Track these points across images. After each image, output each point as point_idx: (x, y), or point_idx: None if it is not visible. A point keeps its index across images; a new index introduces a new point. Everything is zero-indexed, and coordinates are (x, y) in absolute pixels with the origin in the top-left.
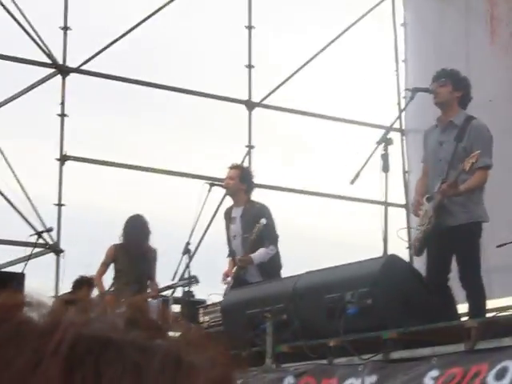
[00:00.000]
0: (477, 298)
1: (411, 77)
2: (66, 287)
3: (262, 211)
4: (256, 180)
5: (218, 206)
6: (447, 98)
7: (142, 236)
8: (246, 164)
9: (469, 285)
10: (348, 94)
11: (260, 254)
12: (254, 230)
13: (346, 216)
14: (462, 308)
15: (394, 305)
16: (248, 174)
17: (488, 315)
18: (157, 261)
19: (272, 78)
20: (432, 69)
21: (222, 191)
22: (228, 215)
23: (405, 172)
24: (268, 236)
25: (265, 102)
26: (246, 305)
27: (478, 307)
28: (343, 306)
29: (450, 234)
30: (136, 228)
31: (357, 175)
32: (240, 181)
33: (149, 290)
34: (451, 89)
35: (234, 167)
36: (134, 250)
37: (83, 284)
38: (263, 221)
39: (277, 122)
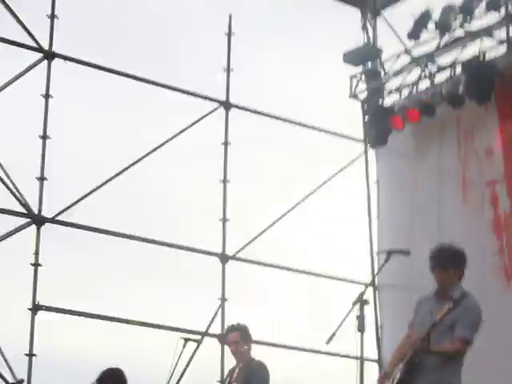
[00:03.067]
0: None
1: (384, 233)
2: None
3: (259, 367)
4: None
5: (190, 360)
6: (450, 281)
7: None
8: (218, 316)
9: None
10: (322, 248)
11: None
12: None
13: (320, 370)
14: None
15: None
16: (248, 332)
17: None
18: None
19: (246, 231)
20: (404, 227)
21: (194, 345)
22: (231, 374)
23: (378, 327)
24: None
25: (239, 256)
26: None
27: None
28: None
29: None
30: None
31: (332, 335)
32: (244, 341)
33: None
34: (453, 271)
35: (233, 329)
36: None
37: None
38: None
39: (250, 275)
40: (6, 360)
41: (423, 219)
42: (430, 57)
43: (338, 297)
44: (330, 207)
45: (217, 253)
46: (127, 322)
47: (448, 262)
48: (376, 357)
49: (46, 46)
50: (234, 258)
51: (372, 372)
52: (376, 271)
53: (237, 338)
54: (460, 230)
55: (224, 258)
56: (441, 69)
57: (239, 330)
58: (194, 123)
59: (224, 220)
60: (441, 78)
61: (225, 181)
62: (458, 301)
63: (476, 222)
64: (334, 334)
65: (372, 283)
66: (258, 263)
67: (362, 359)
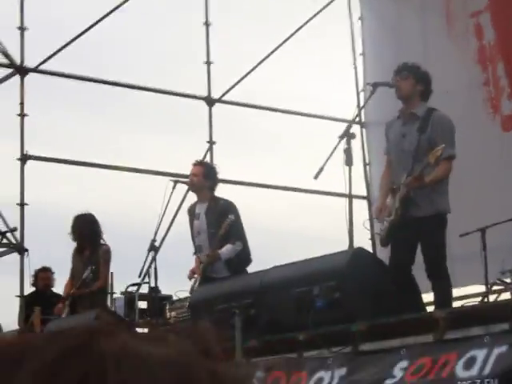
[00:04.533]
0: (443, 288)
1: (369, 70)
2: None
3: (228, 207)
4: (219, 175)
5: (181, 203)
6: (410, 92)
7: (93, 235)
8: (207, 160)
9: (435, 275)
10: (308, 88)
11: (227, 250)
12: (222, 226)
13: (310, 209)
14: (427, 297)
15: (362, 297)
16: (212, 171)
17: (454, 304)
18: (110, 260)
19: (231, 74)
20: (390, 62)
21: (185, 187)
22: (192, 211)
23: (365, 164)
24: (235, 232)
25: (225, 98)
26: (214, 300)
27: (444, 297)
28: (311, 299)
29: (416, 225)
30: (85, 227)
31: (320, 170)
32: (204, 177)
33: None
34: (413, 82)
35: (197, 164)
36: (84, 250)
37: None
38: (231, 217)
39: (237, 117)
40: None
41: (409, 53)
42: None
43: (325, 136)
44: (315, 46)
45: (203, 96)
46: (117, 168)
47: (407, 69)
48: (365, 194)
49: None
50: (220, 100)
51: (361, 209)
52: (362, 107)
53: (198, 171)
54: (446, 63)
55: (210, 101)
56: None
57: (203, 165)
58: None
59: (208, 63)
60: None
61: (207, 23)
62: (426, 117)
63: (461, 54)
64: (321, 169)
65: (359, 120)
66: (244, 105)
67: (350, 195)
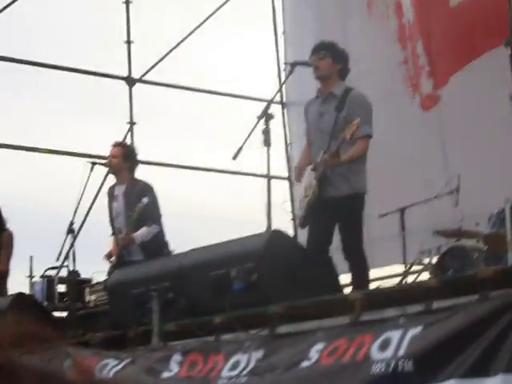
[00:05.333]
0: (360, 270)
1: (291, 49)
2: None
3: (145, 189)
4: (139, 157)
5: (101, 185)
6: (327, 71)
7: None
8: (128, 141)
9: (352, 256)
10: (228, 67)
11: (142, 233)
12: (135, 209)
13: (229, 191)
14: (344, 279)
15: (279, 280)
16: (131, 152)
17: (371, 285)
18: (12, 245)
19: (152, 54)
20: (311, 40)
21: (105, 169)
22: (111, 193)
23: (287, 145)
24: (151, 215)
25: (145, 78)
26: (132, 284)
27: (361, 278)
28: (229, 282)
29: (332, 205)
30: None
31: (239, 150)
32: (123, 159)
33: None
34: (331, 61)
35: (116, 145)
36: None
37: None
38: (144, 200)
39: (158, 97)
40: None
41: (329, 32)
42: None
43: (246, 116)
44: (236, 25)
45: (123, 76)
46: (36, 150)
47: (325, 48)
48: (286, 175)
49: None
50: (140, 80)
51: (282, 190)
52: (281, 87)
53: (116, 153)
54: (366, 41)
55: (130, 81)
56: None
57: (122, 146)
58: None
59: (129, 42)
60: None
61: (127, 1)
62: (343, 96)
63: (381, 32)
64: (240, 149)
65: (279, 100)
66: (164, 85)
67: (269, 176)
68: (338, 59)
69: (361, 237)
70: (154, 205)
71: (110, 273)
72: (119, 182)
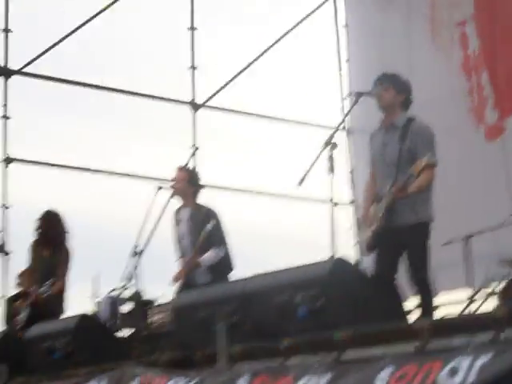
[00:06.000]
0: (426, 297)
1: (355, 77)
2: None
3: (210, 215)
4: (202, 181)
5: (165, 208)
6: (390, 102)
7: (57, 235)
8: (191, 165)
9: (418, 284)
10: (292, 94)
11: (208, 257)
12: (200, 235)
13: (293, 216)
14: (409, 305)
15: (344, 306)
16: (195, 177)
17: (439, 311)
18: (69, 262)
19: (216, 79)
20: (375, 69)
21: (169, 193)
22: (176, 216)
23: (351, 170)
24: (216, 239)
25: (209, 104)
26: (197, 306)
27: (427, 305)
28: (293, 307)
29: (399, 235)
30: (51, 225)
31: (304, 176)
32: (188, 183)
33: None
34: (394, 93)
35: (181, 169)
36: (45, 247)
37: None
38: (209, 227)
39: (222, 123)
40: None
41: (393, 62)
42: None
43: (309, 143)
44: (300, 52)
45: (187, 101)
46: (101, 171)
47: (388, 79)
48: (350, 199)
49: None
50: (204, 105)
51: (346, 215)
52: (346, 115)
53: (182, 177)
54: (430, 71)
55: (194, 107)
56: None
57: (187, 171)
58: None
59: (193, 68)
60: None
61: (192, 27)
62: (406, 127)
63: (446, 62)
64: (305, 176)
65: (344, 127)
66: (228, 110)
67: (333, 201)
68: (400, 90)
69: (427, 265)
70: (218, 229)
71: (176, 295)
72: (184, 205)
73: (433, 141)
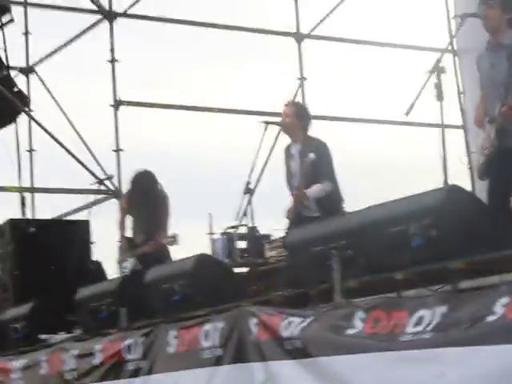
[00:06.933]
0: None
1: None
2: None
3: (319, 147)
4: (311, 113)
5: (274, 143)
6: (497, 21)
7: (149, 185)
8: (298, 96)
9: None
10: (398, 18)
11: (315, 190)
12: (304, 165)
13: (403, 142)
14: None
15: (459, 235)
16: (304, 111)
17: None
18: (168, 209)
19: (319, 9)
20: None
21: (277, 128)
22: (287, 152)
23: (460, 93)
24: (323, 172)
25: (313, 33)
26: (310, 242)
27: None
28: (407, 238)
29: None
30: (142, 178)
31: (411, 106)
32: (296, 118)
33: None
34: (500, 11)
35: (289, 104)
36: (140, 200)
37: None
38: (311, 155)
39: (326, 52)
40: (94, 157)
41: None
42: None
43: (417, 66)
44: None
45: (291, 32)
46: (207, 109)
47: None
48: (460, 123)
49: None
50: (308, 36)
51: (457, 139)
52: (453, 37)
53: (290, 112)
54: None
55: (299, 37)
56: None
57: (294, 105)
58: None
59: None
60: None
61: None
62: None
63: None
64: (412, 105)
65: (451, 49)
66: (333, 39)
67: (442, 127)
68: (507, 8)
69: None
70: (326, 162)
71: (288, 230)
72: (294, 141)
73: None
